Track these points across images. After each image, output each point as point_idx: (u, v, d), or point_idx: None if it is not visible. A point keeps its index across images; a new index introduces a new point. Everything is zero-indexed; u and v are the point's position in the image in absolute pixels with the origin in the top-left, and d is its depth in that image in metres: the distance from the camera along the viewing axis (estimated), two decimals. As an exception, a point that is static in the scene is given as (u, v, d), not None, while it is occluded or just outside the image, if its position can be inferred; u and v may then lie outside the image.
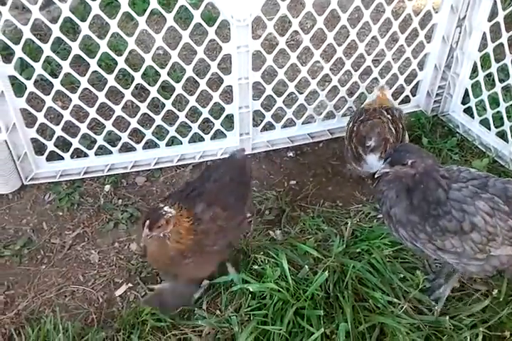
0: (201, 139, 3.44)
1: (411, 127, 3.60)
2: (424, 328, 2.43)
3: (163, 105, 3.25)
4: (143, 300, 2.62)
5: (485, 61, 3.45)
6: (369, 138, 3.02)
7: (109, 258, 2.89)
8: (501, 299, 2.53)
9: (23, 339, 2.49)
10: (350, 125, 3.18)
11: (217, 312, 2.56)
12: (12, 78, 2.86)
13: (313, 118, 3.62)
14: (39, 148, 3.26)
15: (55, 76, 3.02)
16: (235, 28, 2.92)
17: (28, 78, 2.93)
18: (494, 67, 3.28)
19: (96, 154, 3.31)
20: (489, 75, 3.42)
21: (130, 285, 2.74)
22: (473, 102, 3.54)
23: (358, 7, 3.09)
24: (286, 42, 3.13)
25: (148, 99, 3.19)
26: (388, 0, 3.16)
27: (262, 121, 3.50)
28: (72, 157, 3.30)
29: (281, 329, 2.37)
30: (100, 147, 3.31)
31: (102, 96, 3.10)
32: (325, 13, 3.06)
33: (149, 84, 3.16)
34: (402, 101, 3.76)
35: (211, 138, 3.44)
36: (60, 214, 3.12)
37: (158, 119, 3.27)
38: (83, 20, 2.80)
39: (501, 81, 3.27)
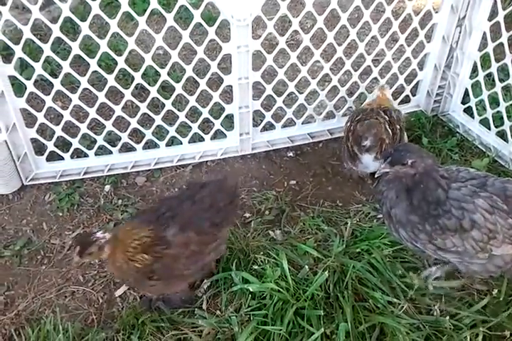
0: (201, 139, 3.44)
1: (411, 127, 3.60)
2: (424, 328, 2.43)
3: (163, 105, 3.25)
4: (141, 301, 2.62)
5: (485, 61, 3.45)
6: (365, 138, 3.02)
7: (109, 259, 2.89)
8: (501, 299, 2.53)
9: (23, 339, 2.49)
10: (348, 124, 3.19)
11: (218, 312, 2.56)
12: (12, 78, 2.86)
13: (313, 118, 3.62)
14: (39, 149, 3.26)
15: (55, 76, 3.01)
16: (235, 27, 2.92)
17: (28, 78, 2.93)
18: (494, 67, 3.28)
19: (96, 154, 3.31)
20: (489, 75, 3.42)
21: (130, 285, 2.74)
22: (473, 102, 3.54)
23: (358, 7, 3.09)
24: (286, 42, 3.13)
25: (148, 99, 3.19)
26: (388, 0, 3.16)
27: (262, 121, 3.50)
28: (72, 157, 3.30)
29: (281, 330, 2.38)
30: (100, 147, 3.31)
31: (102, 97, 3.10)
32: (325, 12, 3.06)
33: (149, 84, 3.15)
34: (402, 101, 3.76)
35: (211, 138, 3.44)
36: (60, 214, 3.12)
37: (158, 119, 3.27)
38: (83, 20, 2.80)
39: (501, 81, 3.27)
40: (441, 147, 3.49)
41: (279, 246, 2.80)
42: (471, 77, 3.53)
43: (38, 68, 2.90)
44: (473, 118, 3.58)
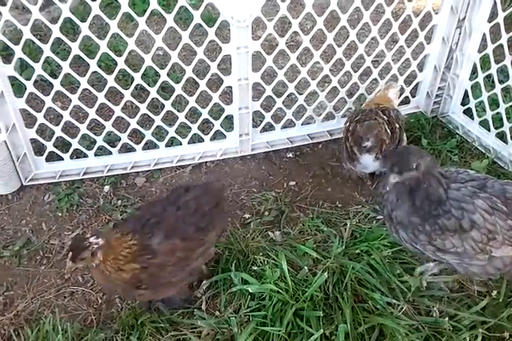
0: (201, 140, 3.44)
1: (411, 128, 3.60)
2: (424, 329, 2.43)
3: (163, 106, 3.24)
4: (141, 302, 2.62)
5: (485, 62, 3.45)
6: (366, 139, 3.02)
7: (108, 259, 2.88)
8: (500, 300, 2.53)
9: (22, 340, 2.49)
10: (347, 125, 3.19)
11: (217, 313, 2.56)
12: (12, 78, 2.86)
13: (312, 119, 3.62)
14: (38, 149, 3.26)
15: (55, 76, 3.01)
16: (235, 28, 2.92)
17: (28, 78, 2.93)
18: (494, 69, 3.28)
19: (95, 155, 3.31)
20: (489, 76, 3.42)
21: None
22: (472, 103, 3.54)
23: (358, 8, 3.09)
24: (286, 43, 3.13)
25: (148, 100, 3.19)
26: (388, 1, 3.16)
27: (261, 121, 3.50)
28: (71, 157, 3.30)
29: (280, 331, 2.37)
30: (100, 148, 3.31)
31: (101, 97, 3.10)
32: (325, 14, 3.06)
33: (149, 85, 3.15)
34: (402, 102, 3.76)
35: (211, 139, 3.43)
36: (60, 214, 3.12)
37: (157, 120, 3.27)
38: (83, 20, 2.80)
39: (501, 82, 3.27)
40: (441, 148, 3.49)
41: (278, 247, 2.80)
42: (470, 79, 3.53)
43: (38, 68, 2.90)
44: (472, 119, 3.58)
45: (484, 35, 3.27)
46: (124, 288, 2.25)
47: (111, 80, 3.04)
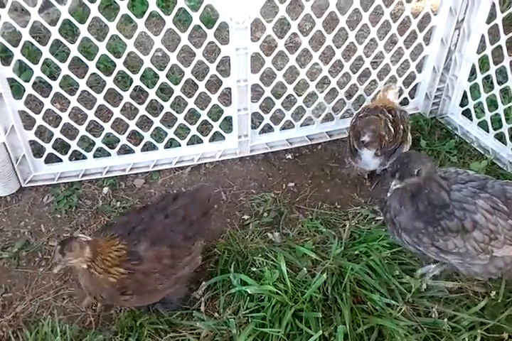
0: (200, 141, 3.44)
1: (410, 129, 3.60)
2: (423, 330, 2.43)
3: (162, 107, 3.24)
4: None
5: (483, 63, 3.45)
6: (363, 133, 3.02)
7: (107, 261, 2.88)
8: (499, 301, 2.53)
9: (20, 341, 2.49)
10: (352, 121, 3.21)
11: (216, 314, 2.55)
12: (11, 80, 2.86)
13: (311, 121, 3.63)
14: (37, 151, 3.26)
15: (54, 78, 3.01)
16: (234, 30, 2.92)
17: (27, 80, 2.93)
18: (492, 70, 3.28)
19: (94, 156, 3.31)
20: (487, 77, 3.42)
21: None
22: (471, 104, 3.54)
23: (357, 9, 3.10)
24: (285, 44, 3.13)
25: (147, 101, 3.19)
26: (387, 2, 3.16)
27: (260, 123, 3.50)
28: (70, 159, 3.30)
29: (279, 332, 2.37)
30: (99, 149, 3.30)
31: (100, 99, 3.10)
32: (324, 15, 3.06)
33: (148, 87, 3.15)
34: (401, 104, 3.74)
35: (210, 141, 3.44)
36: (58, 216, 3.12)
37: (156, 121, 3.27)
38: (82, 22, 2.80)
39: (500, 83, 3.27)
40: (440, 149, 3.49)
41: (277, 248, 2.80)
42: (469, 80, 3.53)
43: (37, 70, 2.90)
44: (471, 120, 3.58)
45: (483, 36, 3.28)
46: (109, 293, 2.22)
47: (110, 82, 3.04)
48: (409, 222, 2.33)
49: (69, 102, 3.09)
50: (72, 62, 2.91)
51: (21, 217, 3.13)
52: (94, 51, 3.13)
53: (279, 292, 2.49)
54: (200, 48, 3.01)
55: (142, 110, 3.20)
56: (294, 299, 2.50)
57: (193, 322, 2.51)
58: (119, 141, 3.30)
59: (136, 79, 3.07)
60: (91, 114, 3.15)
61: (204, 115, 3.32)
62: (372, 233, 2.86)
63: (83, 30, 2.80)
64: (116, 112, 3.18)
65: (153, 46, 2.95)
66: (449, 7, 3.27)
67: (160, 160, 3.40)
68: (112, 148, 3.32)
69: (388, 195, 2.31)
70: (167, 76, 3.11)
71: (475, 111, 3.54)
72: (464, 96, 3.61)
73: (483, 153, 3.47)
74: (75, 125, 3.18)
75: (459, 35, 3.41)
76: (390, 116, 3.09)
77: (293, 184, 3.34)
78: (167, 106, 3.22)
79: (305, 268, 2.63)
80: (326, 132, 3.64)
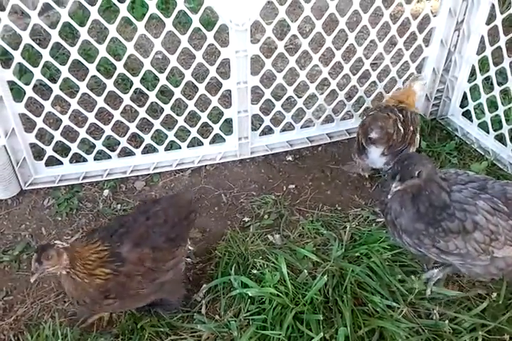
0: (200, 143, 3.44)
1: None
2: (424, 332, 2.43)
3: (162, 110, 3.25)
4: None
5: (483, 64, 3.45)
6: (371, 130, 3.01)
7: (108, 263, 2.88)
8: (500, 302, 2.53)
9: (22, 345, 2.49)
10: (363, 119, 3.21)
11: (217, 316, 2.56)
12: (11, 83, 2.86)
13: (311, 122, 3.63)
14: (38, 153, 3.26)
15: (54, 81, 3.01)
16: (234, 32, 2.92)
17: (27, 83, 2.93)
18: (492, 71, 3.28)
19: (95, 159, 3.31)
20: (487, 78, 3.43)
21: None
22: (471, 106, 3.54)
23: (357, 11, 3.10)
24: (285, 46, 3.13)
25: (147, 104, 3.19)
26: (386, 4, 3.17)
27: (260, 125, 3.51)
28: (71, 162, 3.30)
29: (280, 334, 2.37)
30: (99, 152, 3.30)
31: (100, 101, 3.10)
32: (323, 17, 3.06)
33: (148, 89, 3.16)
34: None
35: (210, 143, 3.44)
36: (59, 219, 3.12)
37: (157, 124, 3.27)
38: (82, 25, 2.80)
39: (499, 84, 3.28)
40: (440, 151, 3.49)
41: (278, 250, 2.80)
42: (469, 81, 3.53)
43: (37, 73, 2.90)
44: (471, 121, 3.58)
45: (482, 37, 3.28)
46: (93, 297, 2.21)
47: (110, 84, 3.05)
48: (410, 224, 2.33)
49: (69, 105, 3.09)
50: (72, 64, 2.91)
51: (22, 219, 3.13)
52: (94, 54, 3.13)
53: (280, 294, 2.49)
54: (200, 50, 3.01)
55: (142, 112, 3.20)
56: (294, 301, 2.50)
57: (194, 324, 2.51)
58: (119, 143, 3.30)
59: (137, 82, 3.07)
60: (91, 117, 3.15)
61: (204, 117, 3.32)
62: (373, 235, 2.85)
63: (83, 33, 2.80)
64: (117, 115, 3.19)
65: (153, 48, 2.95)
66: (448, 8, 3.27)
67: (160, 162, 3.40)
68: (113, 150, 3.32)
69: (389, 196, 2.31)
70: (167, 78, 3.11)
71: (475, 113, 3.54)
72: (464, 97, 3.61)
73: (483, 154, 3.47)
74: (76, 127, 3.18)
75: (458, 36, 3.41)
76: (401, 115, 3.08)
77: (293, 186, 3.34)
78: (167, 109, 3.22)
79: (306, 270, 2.63)
80: (326, 134, 3.64)
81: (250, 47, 3.01)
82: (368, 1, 3.60)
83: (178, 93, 3.17)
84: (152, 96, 3.14)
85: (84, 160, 3.31)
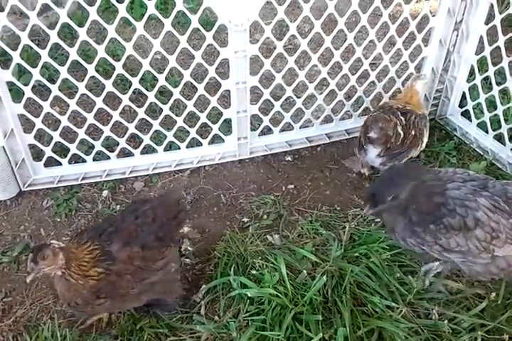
0: (199, 144, 3.44)
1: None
2: (423, 332, 2.43)
3: (161, 110, 3.25)
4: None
5: (482, 64, 3.45)
6: (370, 129, 3.02)
7: (107, 264, 2.88)
8: (499, 302, 2.52)
9: (21, 346, 2.49)
10: (366, 118, 3.23)
11: (216, 317, 2.55)
12: (10, 84, 2.86)
13: (311, 123, 3.63)
14: (37, 154, 3.26)
15: (53, 81, 3.01)
16: (233, 32, 2.92)
17: (26, 84, 2.93)
18: (491, 71, 3.28)
19: (94, 160, 3.31)
20: (486, 78, 3.43)
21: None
22: (470, 105, 3.55)
23: (356, 11, 3.10)
24: (284, 46, 3.14)
25: (146, 104, 3.19)
26: (385, 4, 3.17)
27: (259, 125, 3.50)
28: (70, 163, 3.29)
29: (279, 335, 2.37)
30: (98, 152, 3.30)
31: (99, 102, 3.10)
32: (322, 17, 3.06)
33: (147, 89, 3.15)
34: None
35: (209, 143, 3.43)
36: (58, 220, 3.12)
37: (156, 124, 3.27)
38: (81, 25, 2.79)
39: (498, 84, 3.28)
40: (439, 150, 3.49)
41: (277, 250, 2.80)
42: (468, 81, 3.53)
43: (36, 74, 2.90)
44: (470, 121, 3.58)
45: (481, 37, 3.28)
46: (85, 298, 2.21)
47: (109, 85, 3.04)
48: (407, 231, 2.35)
49: (68, 105, 3.09)
50: (71, 65, 2.90)
51: (21, 220, 3.12)
52: (93, 54, 3.13)
53: (279, 295, 2.49)
54: (199, 51, 3.01)
55: (141, 113, 3.20)
56: (294, 302, 2.50)
57: (193, 325, 2.51)
58: (118, 144, 3.30)
59: (136, 82, 3.06)
60: (90, 117, 3.15)
61: (203, 117, 3.32)
62: (372, 235, 2.86)
63: (82, 34, 2.80)
64: (116, 115, 3.18)
65: (152, 49, 2.95)
66: (447, 8, 3.27)
67: (159, 163, 3.40)
68: (112, 151, 3.32)
69: (368, 213, 2.34)
70: (166, 79, 3.11)
71: (474, 112, 3.54)
72: (463, 97, 3.61)
73: (482, 153, 3.47)
74: (75, 128, 3.18)
75: (457, 36, 3.41)
76: (403, 119, 3.08)
77: (292, 186, 3.34)
78: (166, 109, 3.22)
79: (305, 271, 2.63)
80: (326, 134, 3.64)
81: (249, 48, 3.00)
82: (366, 1, 3.61)
83: (177, 93, 3.16)
84: (151, 96, 3.14)
85: (84, 160, 3.31)
